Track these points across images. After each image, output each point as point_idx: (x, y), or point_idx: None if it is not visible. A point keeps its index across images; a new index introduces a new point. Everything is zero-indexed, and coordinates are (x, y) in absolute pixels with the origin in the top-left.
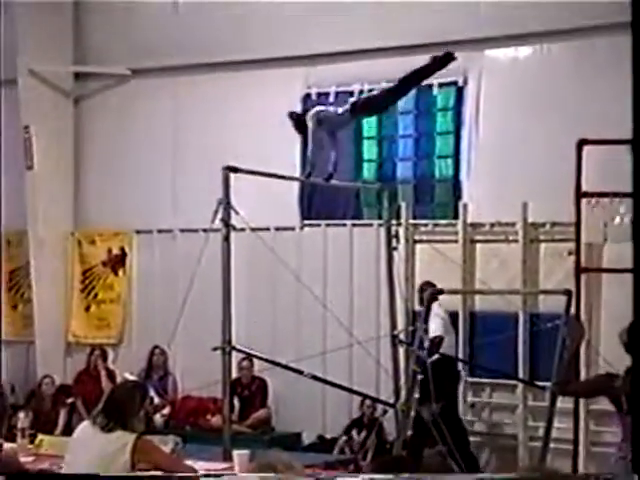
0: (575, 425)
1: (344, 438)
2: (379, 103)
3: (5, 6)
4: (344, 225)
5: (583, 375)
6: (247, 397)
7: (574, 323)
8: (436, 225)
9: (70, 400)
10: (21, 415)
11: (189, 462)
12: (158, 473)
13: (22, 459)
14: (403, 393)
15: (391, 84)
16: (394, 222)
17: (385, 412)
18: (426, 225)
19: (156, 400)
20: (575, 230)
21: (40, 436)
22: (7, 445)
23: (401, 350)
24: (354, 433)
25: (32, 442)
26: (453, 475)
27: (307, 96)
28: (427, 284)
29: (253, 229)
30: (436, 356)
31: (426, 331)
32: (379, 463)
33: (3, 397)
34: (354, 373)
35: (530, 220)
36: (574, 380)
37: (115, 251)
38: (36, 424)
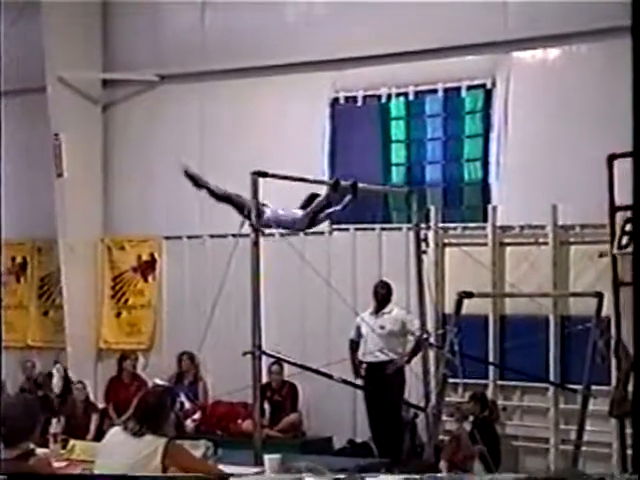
0: (621, 427)
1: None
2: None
3: (34, 14)
4: (373, 229)
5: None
6: (277, 402)
7: (624, 348)
8: (465, 228)
9: (102, 406)
10: (53, 421)
11: (220, 467)
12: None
13: (55, 464)
14: (433, 397)
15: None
16: (423, 226)
17: (416, 415)
18: (455, 228)
19: (187, 405)
20: (610, 246)
21: (72, 441)
22: (40, 451)
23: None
24: None
25: (64, 447)
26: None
27: (335, 100)
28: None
29: (282, 234)
30: None
31: (456, 334)
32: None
33: (36, 402)
34: None
35: (560, 222)
36: (627, 399)
37: (145, 257)
38: (68, 430)
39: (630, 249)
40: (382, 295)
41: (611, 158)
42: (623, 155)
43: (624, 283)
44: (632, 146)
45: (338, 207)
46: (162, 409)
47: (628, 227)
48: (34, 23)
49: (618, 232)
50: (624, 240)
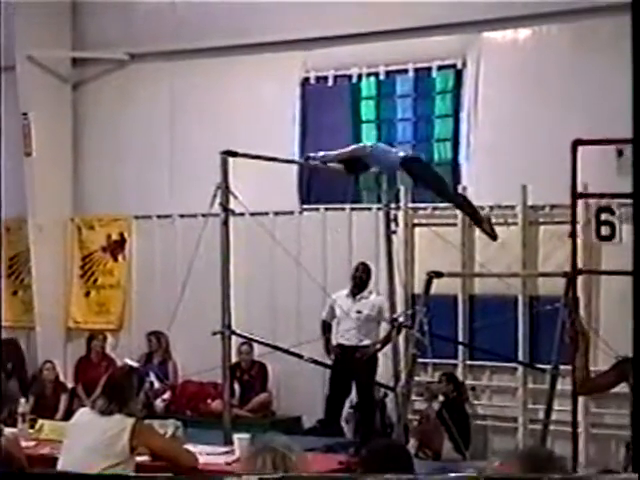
0: (574, 407)
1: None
2: None
3: None
4: (343, 209)
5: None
6: (247, 381)
7: (581, 326)
8: (435, 208)
9: (71, 385)
10: (22, 400)
11: (189, 446)
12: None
13: (23, 444)
14: (402, 376)
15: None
16: (393, 206)
17: (385, 395)
18: (425, 209)
19: (156, 385)
20: (571, 232)
21: (41, 421)
22: (7, 430)
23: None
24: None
25: (32, 427)
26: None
27: (305, 80)
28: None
29: (252, 213)
30: None
31: (425, 314)
32: (372, 448)
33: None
34: None
35: (530, 203)
36: (591, 377)
37: (114, 237)
38: (37, 409)
39: (615, 240)
40: (361, 279)
41: (575, 144)
42: (588, 142)
43: (583, 271)
44: (632, 143)
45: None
46: (130, 387)
47: (604, 216)
48: (3, 2)
49: (594, 222)
50: (603, 230)
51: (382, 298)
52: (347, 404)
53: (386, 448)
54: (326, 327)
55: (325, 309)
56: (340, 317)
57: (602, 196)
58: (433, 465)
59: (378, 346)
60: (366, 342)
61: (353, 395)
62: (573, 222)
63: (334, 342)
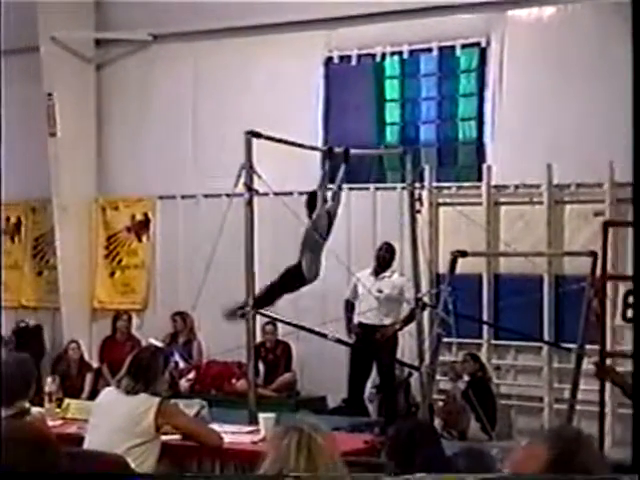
0: (601, 387)
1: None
2: None
3: None
4: (367, 189)
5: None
6: (272, 361)
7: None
8: (460, 188)
9: (96, 365)
10: (48, 380)
11: (214, 425)
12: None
13: (50, 423)
14: (427, 356)
15: None
16: (417, 185)
17: (410, 374)
18: (450, 188)
19: (181, 365)
20: (600, 308)
21: (67, 400)
22: (35, 409)
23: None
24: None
25: (59, 406)
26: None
27: (329, 59)
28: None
29: (276, 193)
30: None
31: (450, 294)
32: (400, 427)
33: (30, 361)
34: None
35: (555, 181)
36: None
37: (138, 217)
38: (62, 389)
39: None
40: (384, 258)
41: (606, 225)
42: (619, 224)
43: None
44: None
45: (335, 184)
46: (155, 366)
47: (630, 299)
48: None
49: (620, 304)
50: (629, 313)
51: (404, 279)
52: (370, 384)
53: (414, 428)
54: (349, 306)
55: (349, 289)
56: (362, 296)
57: (627, 279)
58: (459, 445)
59: (397, 326)
60: (386, 322)
61: (375, 374)
62: (602, 301)
63: (355, 321)
